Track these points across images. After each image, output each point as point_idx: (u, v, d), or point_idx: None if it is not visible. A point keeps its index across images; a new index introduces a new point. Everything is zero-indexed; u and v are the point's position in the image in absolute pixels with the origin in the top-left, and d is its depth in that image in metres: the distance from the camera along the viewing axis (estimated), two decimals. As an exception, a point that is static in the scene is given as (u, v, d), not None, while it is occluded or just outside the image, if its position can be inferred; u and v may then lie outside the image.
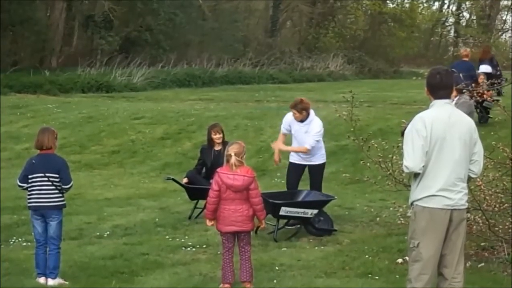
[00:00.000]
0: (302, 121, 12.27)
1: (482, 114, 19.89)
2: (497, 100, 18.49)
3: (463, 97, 12.93)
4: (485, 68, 22.13)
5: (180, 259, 10.34)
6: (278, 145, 12.65)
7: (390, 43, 59.94)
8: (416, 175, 7.05)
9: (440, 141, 6.94)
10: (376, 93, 31.75)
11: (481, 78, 19.79)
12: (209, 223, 9.08)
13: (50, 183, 9.06)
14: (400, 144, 8.78)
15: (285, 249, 10.92)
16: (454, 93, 12.18)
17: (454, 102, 11.72)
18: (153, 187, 16.34)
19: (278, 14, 55.34)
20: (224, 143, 12.56)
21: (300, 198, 12.02)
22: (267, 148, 19.46)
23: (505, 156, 10.29)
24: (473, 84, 14.22)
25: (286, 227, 12.01)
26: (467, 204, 7.19)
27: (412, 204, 7.14)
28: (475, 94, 13.76)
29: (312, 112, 12.33)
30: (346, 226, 12.41)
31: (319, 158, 12.51)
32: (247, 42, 51.85)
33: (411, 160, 6.96)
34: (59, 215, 9.18)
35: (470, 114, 11.62)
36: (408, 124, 7.23)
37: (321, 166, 12.61)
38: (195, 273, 9.57)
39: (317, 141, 12.22)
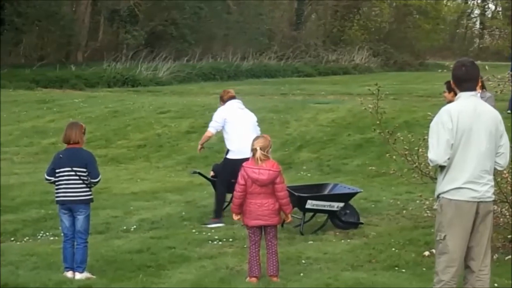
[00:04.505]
0: None
1: None
2: None
3: (486, 93, 12.74)
4: None
5: (207, 252, 10.35)
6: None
7: (416, 35, 59.66)
8: (442, 168, 7.02)
9: (466, 133, 6.91)
10: (401, 86, 31.65)
11: None
12: (235, 217, 9.08)
13: (77, 177, 9.09)
14: (426, 137, 8.75)
15: (311, 242, 10.91)
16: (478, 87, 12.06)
17: (478, 96, 11.61)
18: (179, 181, 16.37)
19: (303, 7, 55.33)
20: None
21: (326, 191, 12.01)
22: (292, 142, 19.48)
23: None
24: None
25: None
26: (493, 196, 7.16)
27: (438, 196, 7.11)
28: None
29: (227, 103, 12.59)
30: (372, 219, 12.38)
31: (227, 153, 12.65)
32: (272, 35, 51.82)
33: (435, 153, 6.93)
34: (87, 209, 9.22)
35: None
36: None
37: (224, 161, 12.66)
38: (222, 267, 9.58)
39: (215, 121, 12.48)
